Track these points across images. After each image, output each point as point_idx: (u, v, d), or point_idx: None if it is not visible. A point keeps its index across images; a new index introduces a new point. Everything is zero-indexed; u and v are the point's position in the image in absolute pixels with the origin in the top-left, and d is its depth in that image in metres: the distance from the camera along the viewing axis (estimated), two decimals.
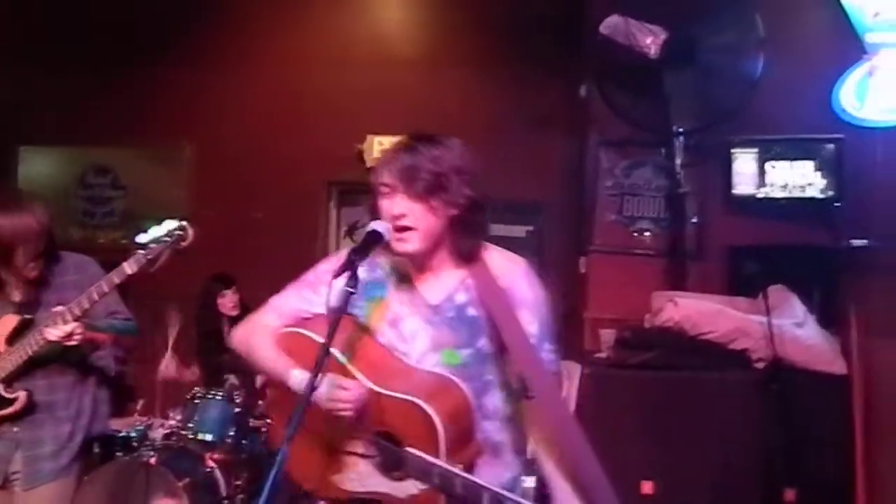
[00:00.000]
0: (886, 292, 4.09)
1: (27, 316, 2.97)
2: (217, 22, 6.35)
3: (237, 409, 4.41)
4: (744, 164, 4.73)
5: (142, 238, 2.79)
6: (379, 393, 1.94)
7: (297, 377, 1.99)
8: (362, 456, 1.99)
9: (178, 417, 4.40)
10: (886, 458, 3.95)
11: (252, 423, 4.47)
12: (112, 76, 6.33)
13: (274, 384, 2.21)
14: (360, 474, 2.00)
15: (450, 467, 1.84)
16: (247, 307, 4.86)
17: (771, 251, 4.63)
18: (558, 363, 2.12)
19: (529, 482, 2.18)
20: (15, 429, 2.99)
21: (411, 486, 1.91)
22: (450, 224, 2.00)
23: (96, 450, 3.47)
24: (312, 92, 6.28)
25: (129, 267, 2.79)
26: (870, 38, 4.39)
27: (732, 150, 4.74)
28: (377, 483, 1.97)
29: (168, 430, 4.40)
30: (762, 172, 4.70)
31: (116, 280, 2.82)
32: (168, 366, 4.75)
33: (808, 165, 4.61)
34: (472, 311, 2.05)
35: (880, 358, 4.06)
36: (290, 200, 6.25)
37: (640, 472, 4.07)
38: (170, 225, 2.81)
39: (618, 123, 4.83)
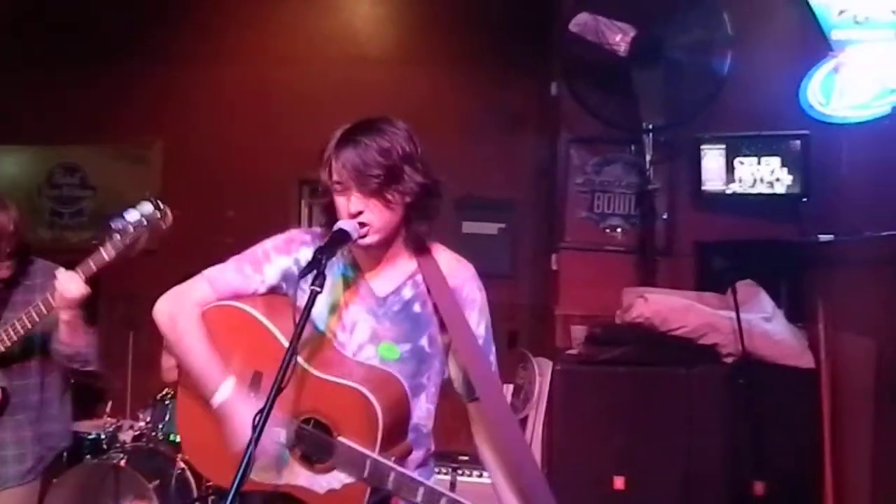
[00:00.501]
0: (853, 287, 4.14)
1: None
2: (187, 19, 6.29)
3: None
4: (712, 160, 4.76)
5: (118, 222, 2.66)
6: (317, 377, 1.88)
7: (225, 392, 1.87)
8: (283, 445, 1.89)
9: (148, 419, 4.35)
10: (853, 451, 3.99)
11: None
12: (80, 73, 6.25)
13: (186, 380, 2.03)
14: (274, 464, 1.90)
15: (386, 460, 1.80)
16: None
17: (739, 247, 4.66)
18: (498, 373, 2.08)
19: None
20: None
21: (334, 480, 1.84)
22: (404, 212, 1.97)
23: (64, 453, 3.43)
24: (284, 89, 6.25)
25: (106, 252, 2.67)
26: (835, 35, 4.43)
27: (701, 147, 4.77)
28: (293, 475, 1.89)
29: (137, 432, 4.37)
30: (730, 169, 4.73)
31: (94, 267, 2.70)
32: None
33: (776, 161, 4.65)
34: (417, 308, 2.03)
35: (847, 352, 4.11)
36: (261, 199, 6.21)
37: (612, 467, 4.10)
38: (146, 206, 2.69)
39: (588, 121, 4.85)
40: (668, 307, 4.27)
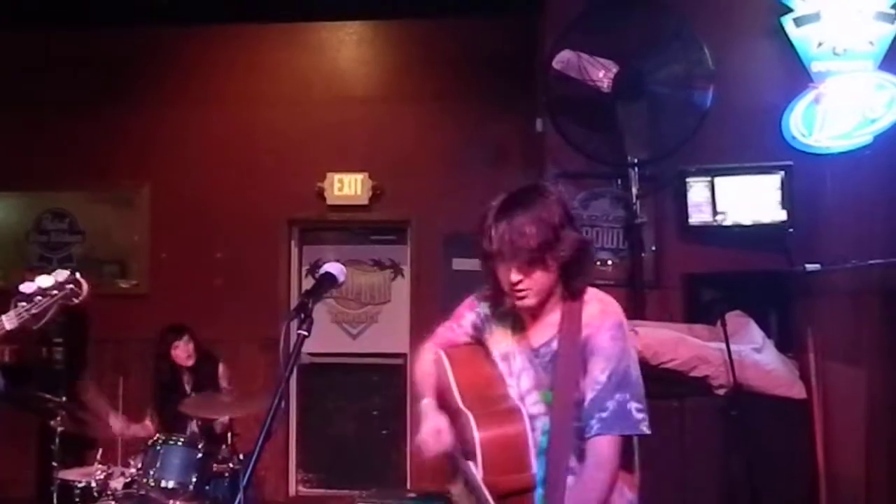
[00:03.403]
0: (841, 315, 4.15)
1: None
2: (173, 62, 6.34)
3: (199, 455, 4.31)
4: (698, 192, 4.79)
5: (27, 287, 2.43)
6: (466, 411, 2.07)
7: (423, 403, 2.23)
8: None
9: (139, 465, 4.29)
10: (848, 481, 3.98)
11: (215, 468, 4.39)
12: (67, 119, 6.29)
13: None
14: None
15: (481, 485, 1.93)
16: (205, 353, 4.79)
17: (727, 278, 4.68)
18: (636, 417, 2.13)
19: None
20: None
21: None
22: (560, 269, 2.05)
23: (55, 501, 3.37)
24: (271, 131, 6.29)
25: (8, 322, 2.42)
26: (815, 66, 4.52)
27: (687, 180, 4.80)
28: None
29: (129, 479, 4.30)
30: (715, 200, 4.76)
31: None
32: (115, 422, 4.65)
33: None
34: None
35: (838, 380, 4.11)
36: (250, 240, 6.22)
37: None
38: (60, 275, 2.48)
39: (574, 156, 4.88)
40: (659, 340, 4.26)
